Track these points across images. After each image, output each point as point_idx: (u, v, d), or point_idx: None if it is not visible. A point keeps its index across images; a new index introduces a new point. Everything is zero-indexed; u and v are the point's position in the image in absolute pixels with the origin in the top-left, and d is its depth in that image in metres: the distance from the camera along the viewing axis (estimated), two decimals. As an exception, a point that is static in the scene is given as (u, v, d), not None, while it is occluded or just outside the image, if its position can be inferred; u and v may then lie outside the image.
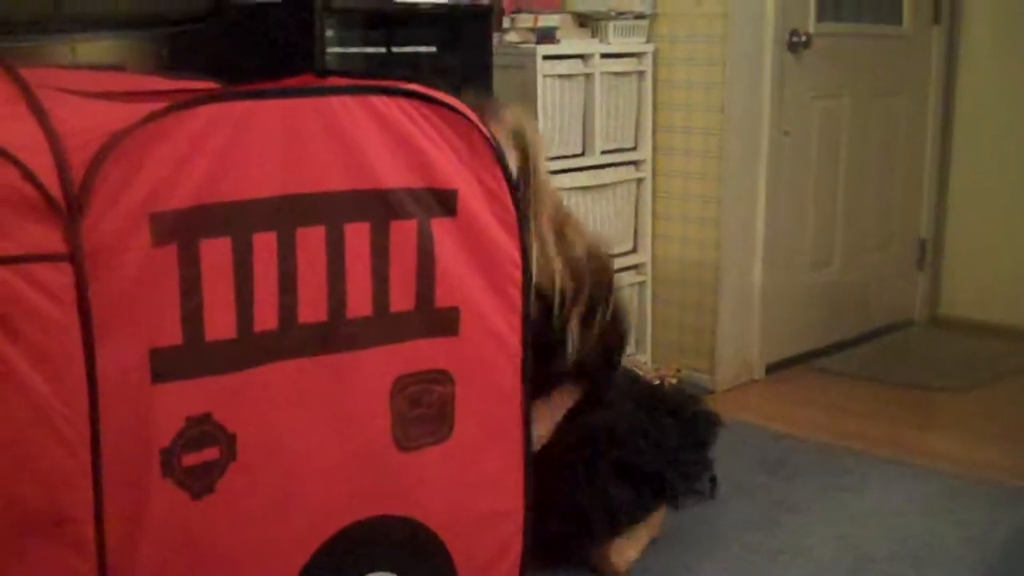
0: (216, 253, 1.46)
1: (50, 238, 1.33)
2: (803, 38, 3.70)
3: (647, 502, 2.41)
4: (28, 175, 1.30)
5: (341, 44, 2.86)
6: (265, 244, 1.52)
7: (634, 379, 2.70)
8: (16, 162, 1.29)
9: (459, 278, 1.78)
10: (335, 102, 1.65)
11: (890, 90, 4.21)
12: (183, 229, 1.43)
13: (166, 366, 1.46)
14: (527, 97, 3.32)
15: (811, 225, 3.96)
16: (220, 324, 1.51)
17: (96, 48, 2.75)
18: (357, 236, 1.64)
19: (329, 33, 2.79)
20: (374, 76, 1.90)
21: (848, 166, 4.06)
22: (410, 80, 1.81)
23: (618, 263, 3.63)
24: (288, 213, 1.55)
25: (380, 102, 1.71)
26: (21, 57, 2.31)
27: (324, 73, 2.11)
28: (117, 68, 2.58)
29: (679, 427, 2.50)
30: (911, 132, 4.35)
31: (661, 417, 2.49)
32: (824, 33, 3.79)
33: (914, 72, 4.33)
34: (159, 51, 2.85)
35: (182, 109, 1.45)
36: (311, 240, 1.59)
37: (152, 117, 1.41)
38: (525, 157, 2.25)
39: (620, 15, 3.59)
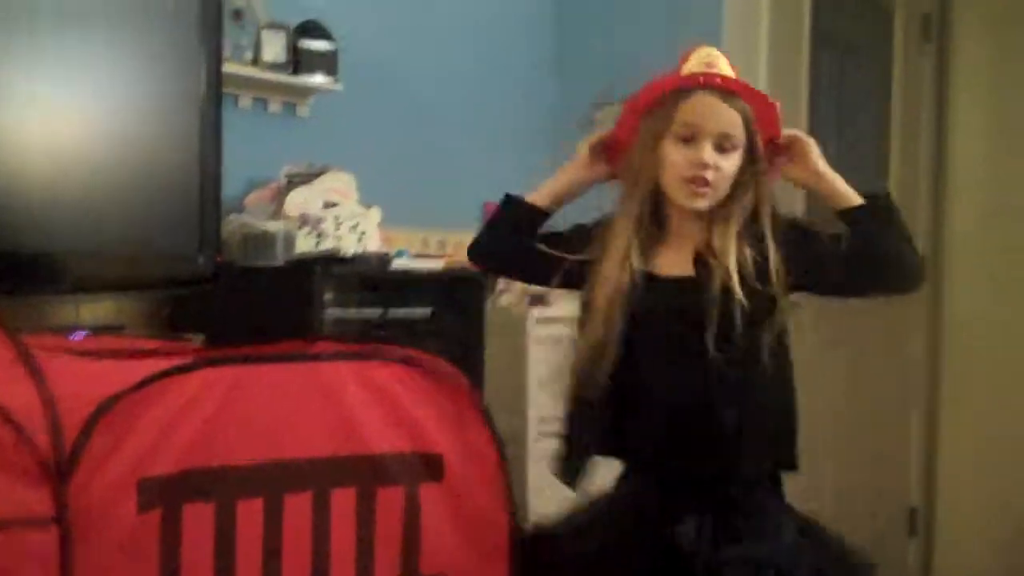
0: (199, 519, 1.46)
1: (39, 501, 1.33)
2: (791, 306, 3.77)
3: None
4: (22, 438, 1.31)
5: (338, 306, 2.93)
6: (251, 510, 1.52)
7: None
8: (11, 424, 1.31)
9: (445, 544, 1.77)
10: (327, 368, 1.68)
11: (875, 363, 4.27)
12: (168, 494, 1.43)
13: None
14: (519, 360, 3.37)
15: (797, 493, 3.92)
16: (200, 592, 1.48)
17: (98, 308, 2.81)
18: (344, 502, 1.64)
19: (327, 296, 2.86)
20: (367, 340, 1.95)
21: (837, 436, 4.07)
22: (404, 344, 1.84)
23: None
24: (276, 479, 1.56)
25: (372, 368, 1.74)
26: (26, 316, 2.37)
27: (316, 338, 2.15)
28: (116, 328, 2.64)
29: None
30: (896, 402, 4.38)
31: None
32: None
33: (897, 351, 4.40)
34: (159, 312, 2.92)
35: (174, 374, 1.48)
36: (298, 506, 1.59)
37: (144, 383, 1.44)
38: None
39: (612, 280, 3.67)
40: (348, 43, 3.35)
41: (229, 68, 2.98)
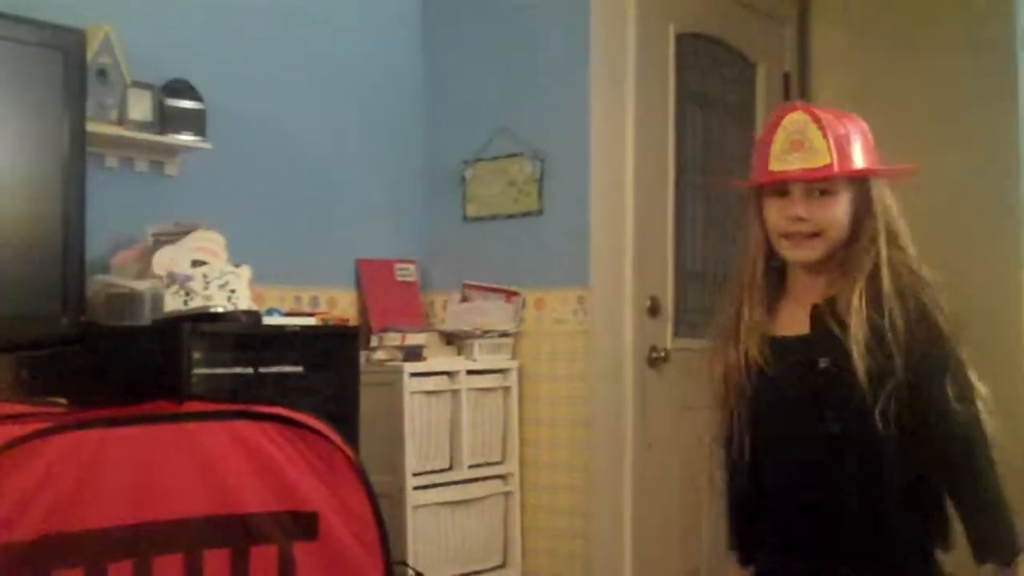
0: (66, 585, 1.43)
1: None
2: (662, 354, 3.85)
3: None
4: None
5: (208, 365, 2.89)
6: (120, 574, 1.49)
7: None
8: None
9: (321, 603, 1.75)
10: (196, 428, 1.66)
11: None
12: (34, 559, 1.40)
13: None
14: (394, 413, 3.37)
15: (677, 535, 3.99)
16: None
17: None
18: (216, 563, 1.61)
19: (197, 355, 2.82)
20: (239, 399, 1.93)
21: (711, 478, 4.13)
22: (275, 402, 1.84)
23: (487, 579, 3.61)
24: (144, 541, 1.53)
25: (241, 427, 1.73)
26: None
27: (186, 398, 2.12)
28: (-23, 392, 2.56)
29: None
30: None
31: None
32: (681, 348, 3.95)
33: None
34: (21, 374, 2.84)
35: (37, 438, 1.45)
36: (169, 569, 1.56)
37: (5, 447, 1.41)
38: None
39: (486, 333, 3.71)
40: (217, 102, 3.33)
41: (94, 127, 2.94)
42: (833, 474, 1.89)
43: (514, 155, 3.84)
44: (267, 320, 3.09)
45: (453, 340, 3.80)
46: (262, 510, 1.69)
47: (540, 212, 3.79)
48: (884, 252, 1.90)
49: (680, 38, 4.05)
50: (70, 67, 2.75)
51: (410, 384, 3.41)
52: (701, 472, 4.08)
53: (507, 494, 3.72)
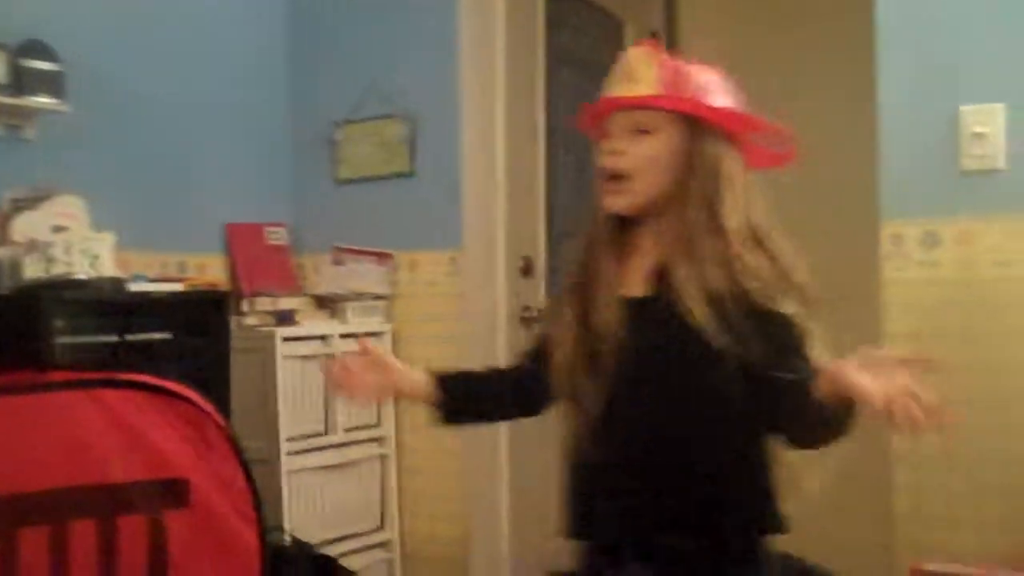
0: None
1: None
2: (535, 313, 3.88)
3: None
4: None
5: (72, 333, 2.81)
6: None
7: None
8: None
9: (194, 571, 1.73)
10: (58, 397, 1.62)
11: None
12: None
13: None
14: (267, 379, 3.33)
15: (555, 492, 4.02)
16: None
17: None
18: (83, 534, 1.58)
19: (60, 323, 2.74)
20: (103, 367, 1.88)
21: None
22: (143, 370, 1.80)
23: (364, 541, 3.60)
24: (9, 514, 1.49)
25: (106, 395, 1.69)
26: None
27: (46, 366, 2.06)
28: None
29: None
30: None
31: None
32: (553, 308, 3.98)
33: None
34: None
35: None
36: (34, 540, 1.53)
37: None
38: None
39: (359, 296, 3.69)
40: (75, 63, 3.22)
41: (-52, 88, 2.83)
42: (672, 443, 1.75)
43: (386, 116, 3.80)
44: (133, 286, 3.01)
45: (326, 304, 3.77)
46: (130, 479, 1.66)
47: (412, 174, 3.77)
48: (696, 218, 1.73)
49: (550, -1, 4.06)
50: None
51: (283, 348, 3.37)
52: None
53: (383, 457, 3.71)
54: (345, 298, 3.69)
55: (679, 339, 1.69)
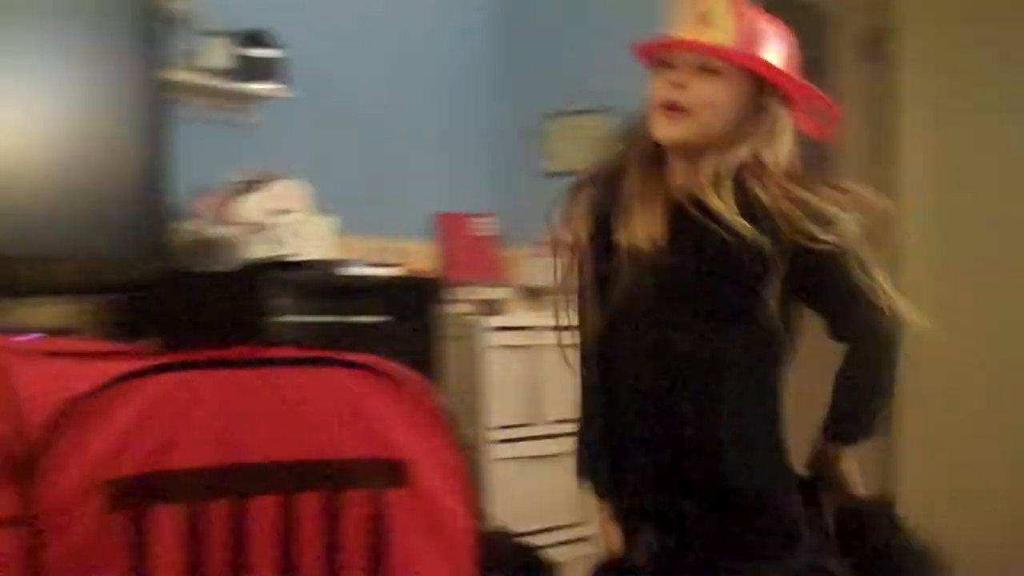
0: (167, 521, 1.43)
1: (5, 501, 1.30)
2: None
3: None
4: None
5: (290, 313, 2.89)
6: (217, 512, 1.49)
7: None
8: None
9: (412, 550, 1.74)
10: (287, 373, 1.65)
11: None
12: (135, 496, 1.40)
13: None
14: (474, 367, 3.35)
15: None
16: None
17: (49, 312, 2.77)
18: (310, 506, 1.60)
19: (279, 302, 2.83)
20: (324, 346, 1.92)
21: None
22: (360, 350, 1.82)
23: (567, 534, 3.58)
24: (241, 482, 1.53)
25: (332, 373, 1.71)
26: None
27: (268, 343, 2.11)
28: (67, 332, 2.59)
29: None
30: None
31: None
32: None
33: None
34: (110, 316, 2.87)
35: (136, 377, 1.44)
36: (264, 509, 1.56)
37: (107, 384, 1.40)
38: None
39: (565, 288, 3.68)
40: (298, 52, 3.32)
41: (179, 75, 2.94)
42: (700, 381, 1.72)
43: (594, 111, 3.78)
44: (349, 270, 3.08)
45: (533, 295, 3.77)
46: (353, 456, 1.68)
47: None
48: (743, 157, 1.71)
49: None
50: (149, 14, 2.75)
51: (491, 338, 3.38)
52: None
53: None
54: (552, 290, 3.68)
55: (718, 263, 1.68)
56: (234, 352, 1.81)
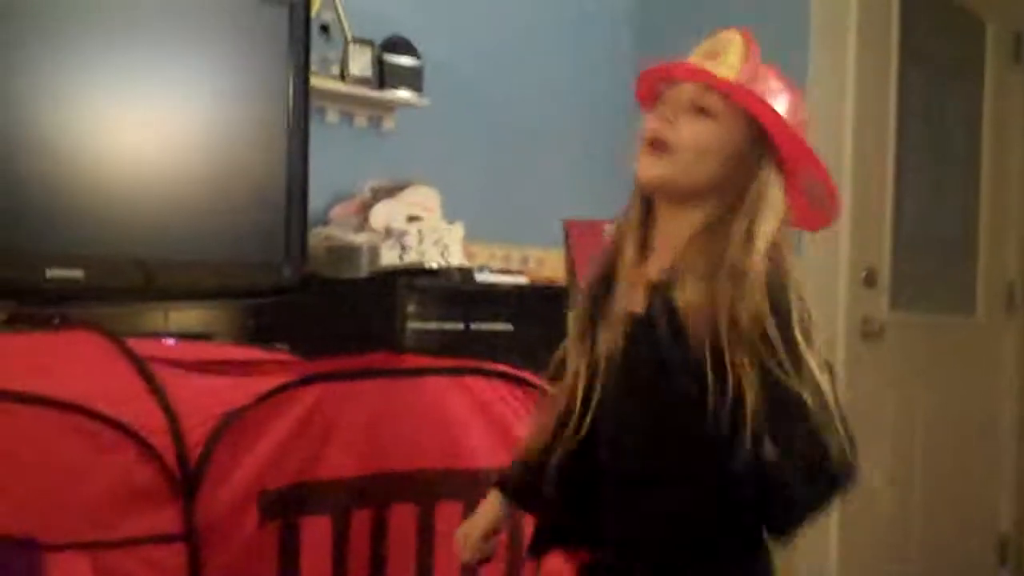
0: (316, 530, 1.46)
1: (165, 519, 1.34)
2: (876, 327, 3.72)
3: None
4: (147, 456, 1.31)
5: (421, 319, 2.92)
6: (360, 521, 1.52)
7: None
8: (137, 442, 1.31)
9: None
10: (430, 382, 1.67)
11: (964, 381, 4.18)
12: (286, 506, 1.43)
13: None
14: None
15: (885, 519, 3.86)
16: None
17: (186, 316, 2.84)
18: (449, 515, 1.63)
19: (410, 308, 2.86)
20: (450, 354, 1.93)
21: (924, 454, 4.00)
22: (487, 358, 1.84)
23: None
24: (383, 490, 1.55)
25: (473, 382, 1.73)
26: (117, 322, 2.39)
27: (399, 351, 2.14)
28: (204, 337, 2.65)
29: None
30: (986, 424, 4.29)
31: None
32: (897, 322, 3.81)
33: (988, 363, 4.32)
34: (246, 321, 2.93)
35: (289, 390, 1.48)
36: (404, 518, 1.58)
37: (262, 398, 1.44)
38: None
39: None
40: (433, 59, 3.35)
41: (317, 82, 2.99)
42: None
43: (730, 116, 3.75)
44: (478, 277, 3.10)
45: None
46: (492, 465, 1.69)
47: (752, 177, 3.69)
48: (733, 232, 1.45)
49: (905, -5, 3.88)
50: (295, 23, 2.79)
51: (617, 347, 3.36)
52: (914, 447, 3.96)
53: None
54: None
55: (666, 376, 1.43)
56: (378, 361, 1.84)
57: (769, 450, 1.35)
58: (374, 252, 2.96)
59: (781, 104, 1.54)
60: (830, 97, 3.62)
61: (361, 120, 3.34)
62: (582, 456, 1.49)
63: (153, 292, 2.55)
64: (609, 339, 1.49)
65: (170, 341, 2.41)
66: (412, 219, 3.07)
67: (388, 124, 3.39)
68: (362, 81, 3.20)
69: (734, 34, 1.60)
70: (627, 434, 1.48)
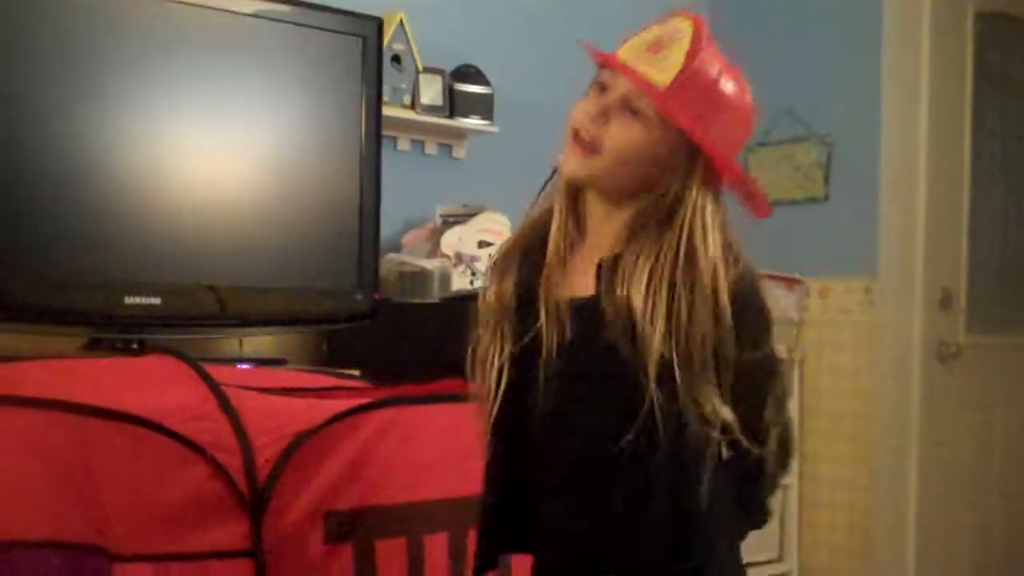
0: (392, 553, 1.47)
1: (232, 535, 1.36)
2: (953, 349, 3.66)
3: None
4: (217, 473, 1.34)
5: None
6: (436, 545, 1.53)
7: None
8: (209, 461, 1.34)
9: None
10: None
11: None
12: (357, 528, 1.45)
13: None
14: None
15: (966, 538, 3.80)
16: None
17: (259, 342, 2.88)
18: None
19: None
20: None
21: (1001, 478, 3.93)
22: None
23: (763, 572, 3.52)
24: (458, 515, 1.56)
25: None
26: (192, 348, 2.44)
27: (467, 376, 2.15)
28: (277, 362, 2.69)
29: None
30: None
31: None
32: (973, 345, 3.75)
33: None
34: (318, 346, 2.97)
35: (359, 412, 1.49)
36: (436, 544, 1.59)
37: (332, 420, 1.46)
38: None
39: (765, 322, 3.62)
40: (503, 87, 3.38)
41: (389, 111, 3.03)
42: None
43: (800, 139, 3.73)
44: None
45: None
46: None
47: (825, 198, 3.68)
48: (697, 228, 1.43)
49: (980, 17, 3.83)
50: (368, 53, 2.83)
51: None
52: (992, 471, 3.89)
53: (784, 487, 3.62)
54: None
55: (616, 358, 1.39)
56: (449, 386, 1.86)
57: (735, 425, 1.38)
58: (445, 278, 2.99)
59: (721, 105, 1.50)
60: (904, 119, 3.59)
61: (432, 148, 3.38)
62: (516, 455, 1.46)
63: (227, 318, 2.59)
64: (552, 326, 1.46)
65: (244, 366, 2.45)
66: (483, 245, 3.09)
67: (459, 151, 3.42)
68: (434, 109, 3.24)
69: (684, 22, 1.51)
70: (581, 418, 1.44)
